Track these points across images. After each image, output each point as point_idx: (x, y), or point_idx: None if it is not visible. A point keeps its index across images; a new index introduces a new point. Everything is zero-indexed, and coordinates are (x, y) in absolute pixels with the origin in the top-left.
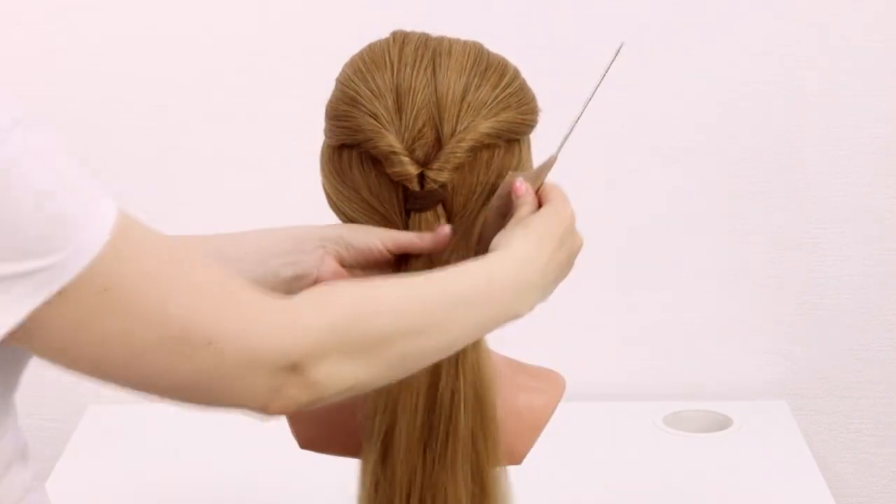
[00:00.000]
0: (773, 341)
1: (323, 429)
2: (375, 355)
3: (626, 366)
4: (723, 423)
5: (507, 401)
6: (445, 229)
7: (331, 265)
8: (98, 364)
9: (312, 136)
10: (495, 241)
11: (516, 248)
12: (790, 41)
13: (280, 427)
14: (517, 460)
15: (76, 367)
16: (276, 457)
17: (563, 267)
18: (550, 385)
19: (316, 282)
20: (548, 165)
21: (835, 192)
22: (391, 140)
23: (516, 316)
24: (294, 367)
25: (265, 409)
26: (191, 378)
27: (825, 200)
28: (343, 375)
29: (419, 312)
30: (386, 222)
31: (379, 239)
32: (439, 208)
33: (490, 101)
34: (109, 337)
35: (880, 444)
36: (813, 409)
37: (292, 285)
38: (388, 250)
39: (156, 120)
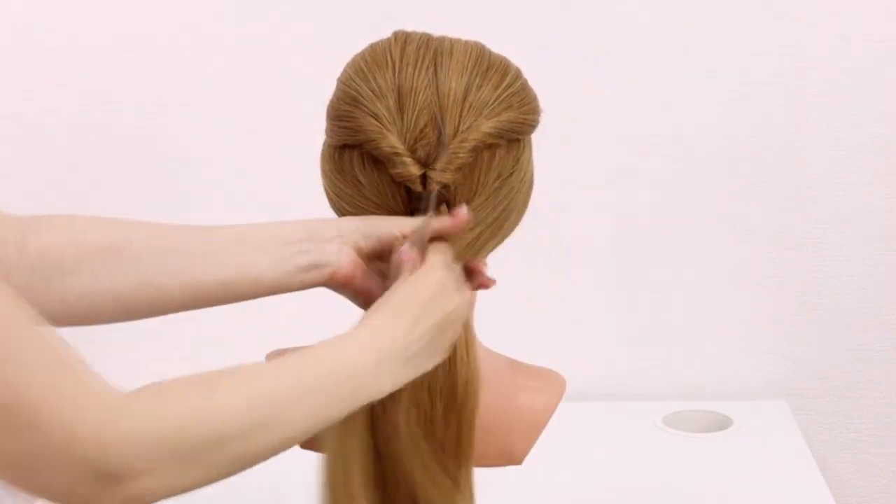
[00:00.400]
0: (773, 341)
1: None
2: (206, 464)
3: (626, 366)
4: (723, 423)
5: (507, 401)
6: (463, 210)
7: (349, 255)
8: None
9: (314, 136)
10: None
11: (370, 323)
12: (790, 41)
13: None
14: (517, 460)
15: None
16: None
17: (434, 336)
18: (550, 385)
19: (335, 274)
20: (423, 228)
21: (835, 192)
22: (393, 141)
23: (378, 393)
24: (112, 477)
25: None
26: (10, 457)
27: (825, 200)
28: (166, 487)
29: (261, 409)
30: (388, 212)
31: (396, 226)
32: (442, 208)
33: (492, 100)
34: None
35: (880, 444)
36: (813, 409)
37: (309, 274)
38: (406, 237)
39: (155, 120)
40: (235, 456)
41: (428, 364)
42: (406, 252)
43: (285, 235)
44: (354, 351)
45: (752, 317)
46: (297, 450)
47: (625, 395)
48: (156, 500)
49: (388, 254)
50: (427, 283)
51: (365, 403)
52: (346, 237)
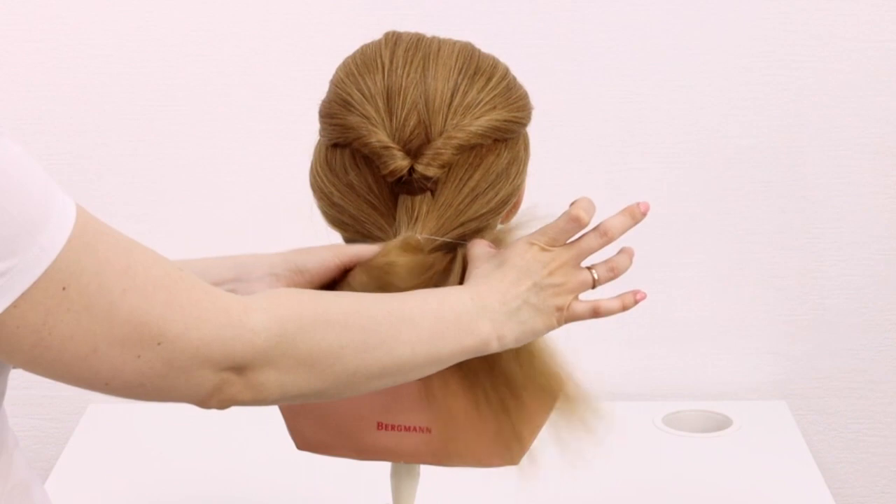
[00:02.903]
0: (773, 341)
1: (321, 430)
2: (323, 369)
3: (626, 366)
4: (722, 423)
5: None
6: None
7: None
8: (54, 364)
9: (308, 136)
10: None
11: (469, 279)
12: (790, 41)
13: (279, 428)
14: (515, 460)
15: (32, 366)
16: (274, 457)
17: (534, 297)
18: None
19: None
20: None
21: (835, 193)
22: (381, 136)
23: (477, 340)
24: (238, 369)
25: (204, 404)
26: (139, 376)
27: (825, 200)
28: (287, 383)
29: (368, 329)
30: (377, 213)
31: (333, 254)
32: (427, 198)
33: (478, 101)
34: (67, 338)
35: (880, 444)
36: (813, 409)
37: None
38: (344, 264)
39: (154, 121)
40: (349, 370)
41: (538, 324)
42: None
43: (216, 275)
44: (455, 295)
45: (752, 317)
46: (296, 451)
47: (625, 394)
48: (274, 394)
49: (327, 283)
50: (519, 251)
51: (470, 349)
52: (280, 273)
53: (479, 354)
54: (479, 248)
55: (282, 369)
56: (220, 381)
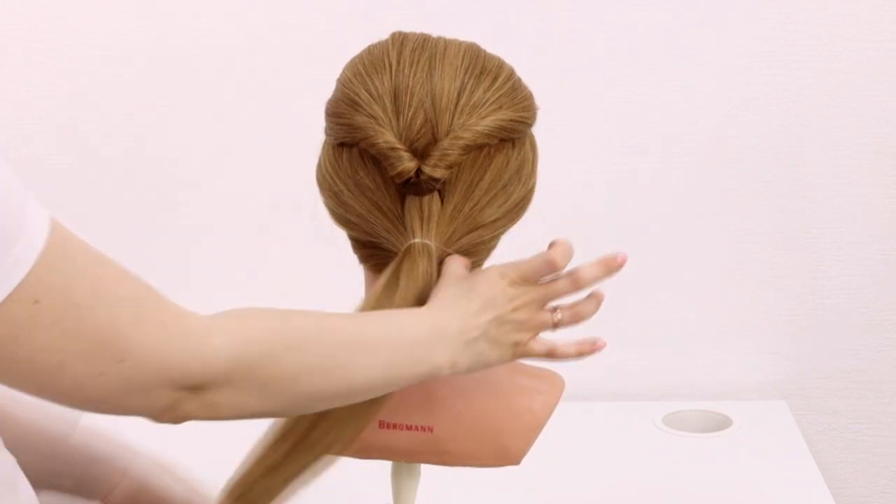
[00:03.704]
0: (773, 341)
1: None
2: (278, 392)
3: (626, 366)
4: (722, 423)
5: (506, 401)
6: None
7: None
8: (22, 376)
9: (315, 136)
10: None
11: (433, 302)
12: (790, 41)
13: None
14: (515, 460)
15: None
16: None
17: (495, 329)
18: (549, 385)
19: None
20: None
21: (835, 192)
22: (389, 137)
23: (431, 368)
24: (195, 388)
25: (157, 420)
26: (100, 392)
27: (825, 200)
28: (242, 404)
29: (326, 355)
30: (383, 214)
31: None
32: (435, 198)
33: (484, 101)
34: (37, 352)
35: (880, 444)
36: (813, 409)
37: None
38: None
39: (157, 121)
40: (305, 393)
41: (492, 356)
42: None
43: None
44: (416, 321)
45: (752, 317)
46: None
47: (625, 394)
48: (227, 413)
49: None
50: (489, 280)
51: (424, 375)
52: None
53: (432, 378)
54: (454, 266)
55: (238, 391)
56: (176, 399)
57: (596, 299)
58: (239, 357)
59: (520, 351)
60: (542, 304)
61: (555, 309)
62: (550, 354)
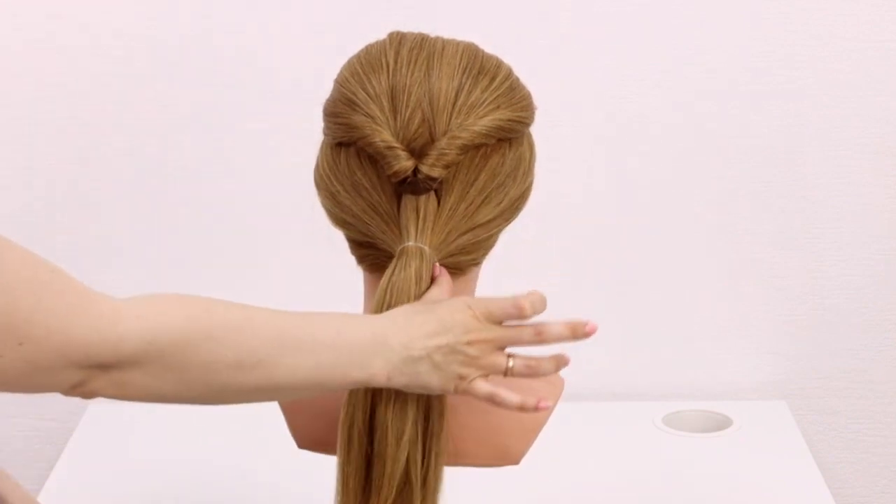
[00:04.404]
0: (773, 341)
1: (321, 429)
2: (192, 379)
3: (626, 366)
4: (722, 423)
5: None
6: None
7: None
8: None
9: (313, 136)
10: None
11: (389, 312)
12: (790, 41)
13: (279, 427)
14: (515, 460)
15: None
16: (274, 457)
17: (442, 356)
18: (549, 385)
19: None
20: None
21: (834, 193)
22: (386, 136)
23: (365, 375)
24: (103, 367)
25: (67, 394)
26: (5, 374)
27: (825, 201)
28: (153, 386)
29: (246, 349)
30: (378, 214)
31: None
32: (431, 198)
33: (482, 101)
34: None
35: (880, 444)
36: (813, 409)
37: None
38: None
39: (156, 120)
40: (221, 383)
41: (432, 380)
42: (439, 267)
43: None
44: (357, 327)
45: (752, 317)
46: (296, 450)
47: (624, 394)
48: (138, 394)
49: None
50: (453, 308)
51: (357, 382)
52: None
53: (365, 386)
54: (435, 291)
55: (149, 373)
56: (85, 377)
57: (557, 362)
58: (149, 341)
59: (462, 386)
60: (499, 345)
61: (511, 355)
62: (491, 399)
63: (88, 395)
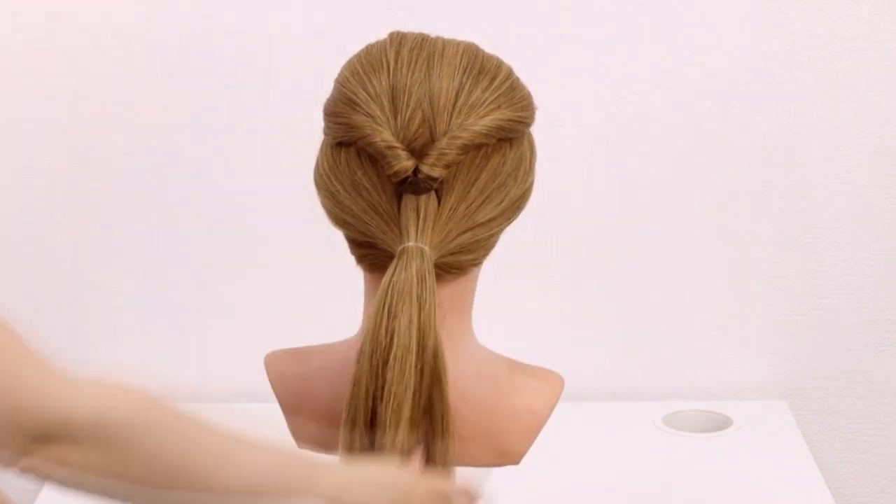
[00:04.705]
0: (773, 341)
1: (322, 429)
2: (130, 468)
3: (626, 366)
4: (722, 423)
5: (506, 400)
6: None
7: None
8: None
9: (313, 135)
10: None
11: (363, 470)
12: (790, 41)
13: (278, 427)
14: (515, 460)
15: None
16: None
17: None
18: (549, 385)
19: None
20: None
21: (834, 193)
22: (386, 136)
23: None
24: (47, 439)
25: (4, 464)
26: None
27: (825, 201)
28: (90, 467)
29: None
30: (378, 214)
31: None
32: (431, 198)
33: (482, 101)
34: None
35: (880, 444)
36: (813, 409)
37: None
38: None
39: (156, 120)
40: (155, 476)
41: None
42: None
43: None
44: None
45: (752, 317)
46: None
47: (624, 394)
48: (74, 475)
49: None
50: (400, 478)
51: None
52: None
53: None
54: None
55: (90, 453)
56: (26, 448)
57: None
58: (98, 420)
59: None
60: None
61: None
62: None
63: (25, 468)
